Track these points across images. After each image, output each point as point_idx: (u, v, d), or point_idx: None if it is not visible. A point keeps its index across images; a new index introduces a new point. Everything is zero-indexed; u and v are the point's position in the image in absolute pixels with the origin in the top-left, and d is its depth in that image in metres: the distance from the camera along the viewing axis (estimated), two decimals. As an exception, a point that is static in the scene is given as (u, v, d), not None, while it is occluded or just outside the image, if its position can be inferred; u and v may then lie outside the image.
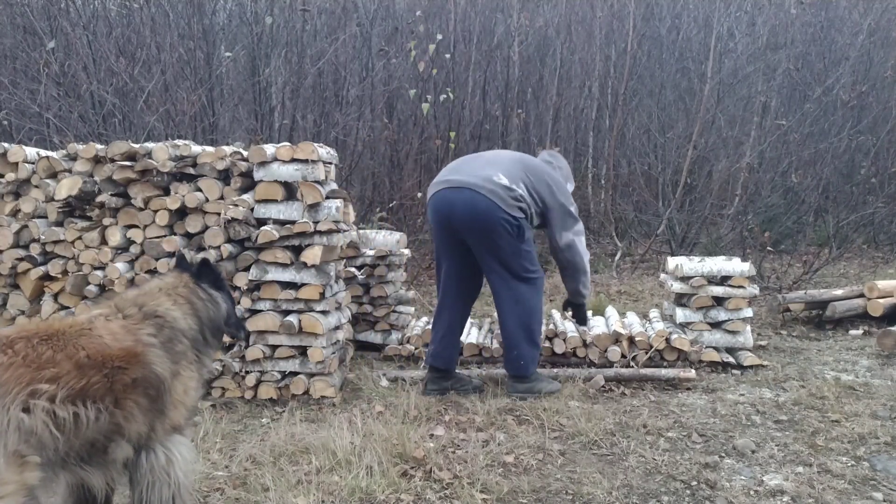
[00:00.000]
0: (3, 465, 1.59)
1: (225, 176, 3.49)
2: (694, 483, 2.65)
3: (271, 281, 3.46)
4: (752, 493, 2.57)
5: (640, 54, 9.51)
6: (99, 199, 3.47)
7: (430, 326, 4.03)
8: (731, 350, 4.24)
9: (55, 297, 3.58)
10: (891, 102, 9.05)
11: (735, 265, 4.24)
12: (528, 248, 3.60)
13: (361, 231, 4.61)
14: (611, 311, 4.76)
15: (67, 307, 3.56)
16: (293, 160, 3.42)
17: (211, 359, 2.33)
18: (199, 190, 3.46)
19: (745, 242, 7.17)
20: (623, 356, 4.08)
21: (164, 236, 3.46)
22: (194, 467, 2.25)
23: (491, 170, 3.50)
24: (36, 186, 3.57)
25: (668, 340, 4.12)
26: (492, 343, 4.29)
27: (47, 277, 3.57)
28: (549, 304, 5.79)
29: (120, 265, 3.46)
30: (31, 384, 1.67)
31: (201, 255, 3.29)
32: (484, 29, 8.79)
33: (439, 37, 7.54)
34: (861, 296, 5.06)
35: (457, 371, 3.78)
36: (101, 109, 6.56)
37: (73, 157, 3.57)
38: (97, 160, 3.52)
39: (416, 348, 4.33)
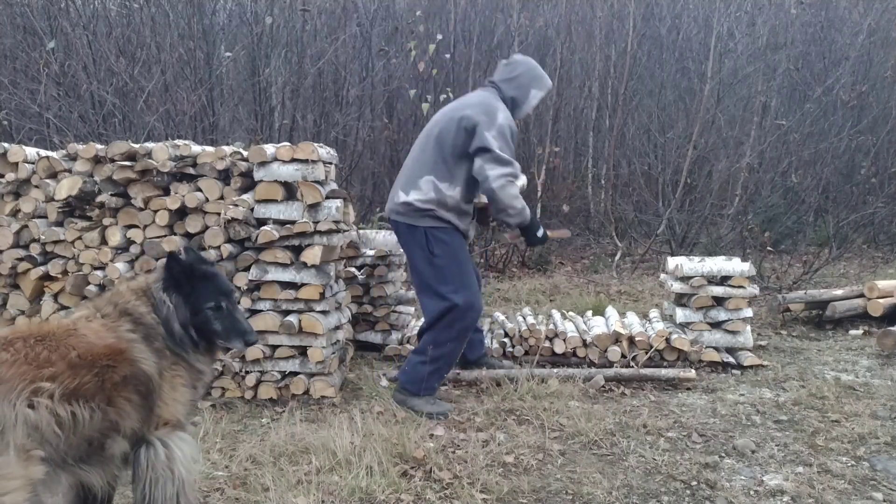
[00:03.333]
0: (12, 460, 1.62)
1: (225, 176, 3.49)
2: (694, 483, 2.65)
3: (271, 281, 3.46)
4: (752, 493, 2.57)
5: (640, 54, 9.51)
6: (99, 199, 3.47)
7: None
8: (731, 350, 4.24)
9: (55, 297, 3.58)
10: (891, 102, 9.05)
11: (735, 265, 4.24)
12: (442, 262, 3.41)
13: (361, 231, 4.62)
14: (611, 311, 4.76)
15: (67, 307, 3.56)
16: (293, 160, 3.42)
17: (196, 360, 2.20)
18: (199, 190, 3.46)
19: (745, 242, 7.17)
20: (623, 356, 4.08)
21: (164, 236, 3.46)
22: (197, 464, 2.24)
23: (398, 184, 3.53)
24: (36, 186, 3.57)
25: (668, 340, 4.12)
26: (492, 343, 4.29)
27: (47, 277, 3.56)
28: (550, 304, 5.80)
29: (120, 265, 3.46)
30: (34, 381, 1.70)
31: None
32: (484, 29, 8.79)
33: (439, 37, 7.54)
34: (861, 296, 5.06)
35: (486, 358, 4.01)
36: (101, 109, 6.57)
37: (73, 157, 3.57)
38: (97, 160, 3.52)
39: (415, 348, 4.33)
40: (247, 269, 3.48)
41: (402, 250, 4.58)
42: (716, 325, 4.24)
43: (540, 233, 3.56)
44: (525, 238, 3.64)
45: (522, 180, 3.58)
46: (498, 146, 3.30)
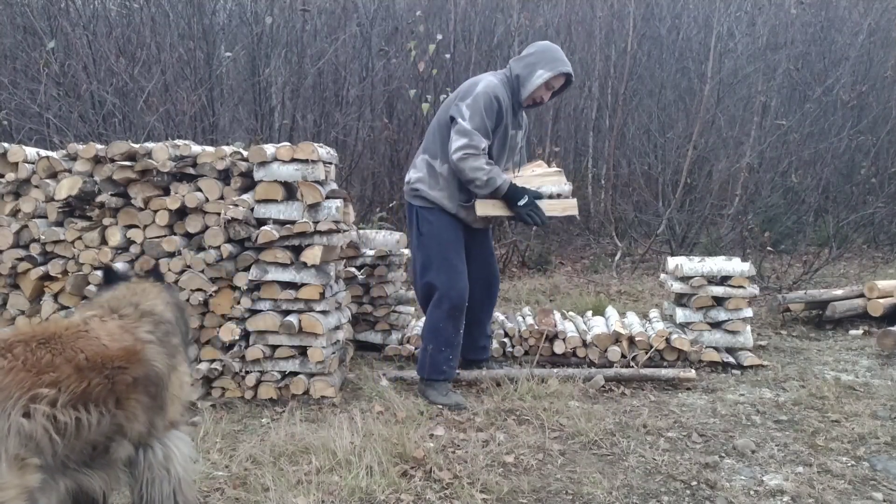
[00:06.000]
0: (5, 470, 1.59)
1: (225, 176, 3.49)
2: (694, 483, 2.65)
3: (271, 281, 3.46)
4: (752, 493, 2.57)
5: (640, 54, 9.50)
6: (99, 199, 3.47)
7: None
8: (731, 350, 4.24)
9: (55, 297, 3.58)
10: (891, 102, 9.05)
11: (735, 265, 4.24)
12: (426, 242, 3.58)
13: (361, 231, 4.61)
14: (611, 311, 4.76)
15: (67, 307, 3.55)
16: (293, 160, 3.42)
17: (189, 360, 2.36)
18: (199, 190, 3.45)
19: (745, 242, 7.17)
20: (623, 356, 4.08)
21: (164, 236, 3.46)
22: (193, 461, 2.24)
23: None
24: (36, 186, 3.57)
25: (668, 340, 4.12)
26: (491, 343, 4.29)
27: (47, 277, 3.56)
28: (550, 304, 5.79)
29: (120, 265, 3.46)
30: (31, 389, 1.67)
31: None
32: (484, 29, 8.78)
33: (439, 37, 7.54)
34: (861, 296, 5.06)
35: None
36: (101, 109, 6.56)
37: (73, 157, 3.57)
38: (97, 160, 3.51)
39: (415, 348, 4.33)
40: (247, 269, 3.47)
41: (403, 250, 4.62)
42: (716, 325, 4.24)
43: (523, 201, 3.46)
44: (513, 212, 3.51)
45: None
46: (468, 116, 3.39)
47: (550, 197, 3.62)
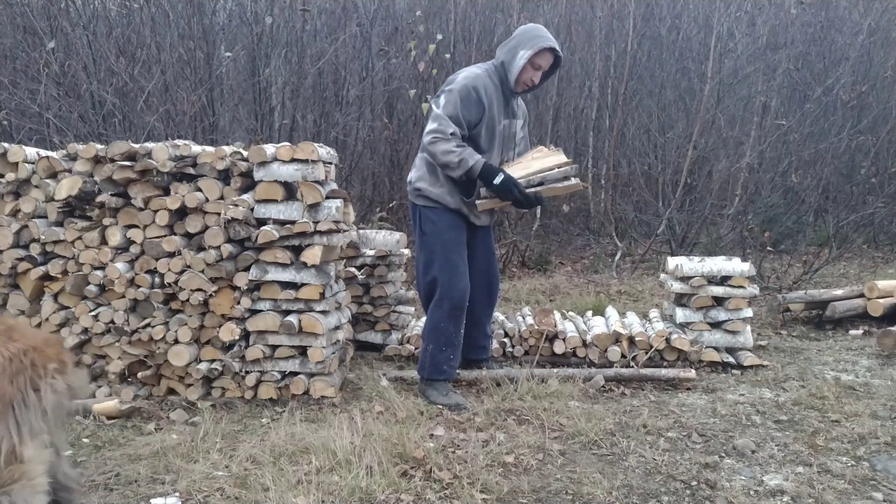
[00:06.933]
0: (37, 444, 1.69)
1: (225, 176, 3.49)
2: (694, 483, 2.65)
3: (271, 281, 3.46)
4: (752, 493, 2.57)
5: (640, 54, 9.50)
6: (99, 199, 3.47)
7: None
8: (731, 350, 4.24)
9: (55, 297, 3.58)
10: (891, 102, 9.05)
11: (735, 265, 4.24)
12: (429, 241, 3.58)
13: (361, 231, 4.61)
14: (611, 311, 4.76)
15: (67, 307, 3.56)
16: (293, 160, 3.42)
17: None
18: (199, 190, 3.45)
19: (745, 242, 7.17)
20: (623, 356, 4.08)
21: (164, 236, 3.46)
22: None
23: None
24: (36, 186, 3.57)
25: (668, 340, 4.12)
26: (490, 343, 4.29)
27: (47, 277, 3.56)
28: (550, 304, 5.79)
29: (120, 265, 3.46)
30: (49, 363, 1.77)
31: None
32: (484, 29, 8.78)
33: (439, 37, 7.54)
34: (861, 296, 5.06)
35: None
36: (101, 109, 6.56)
37: (73, 157, 3.57)
38: (97, 160, 3.51)
39: (416, 348, 4.33)
40: (247, 269, 3.47)
41: (403, 250, 4.62)
42: (716, 325, 4.24)
43: (499, 178, 3.38)
44: (495, 193, 3.45)
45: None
46: (442, 104, 3.45)
47: (557, 181, 3.58)
